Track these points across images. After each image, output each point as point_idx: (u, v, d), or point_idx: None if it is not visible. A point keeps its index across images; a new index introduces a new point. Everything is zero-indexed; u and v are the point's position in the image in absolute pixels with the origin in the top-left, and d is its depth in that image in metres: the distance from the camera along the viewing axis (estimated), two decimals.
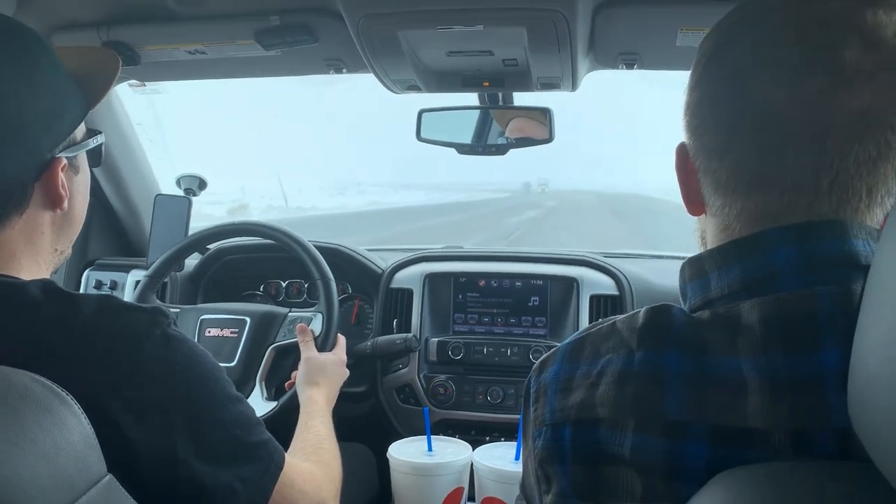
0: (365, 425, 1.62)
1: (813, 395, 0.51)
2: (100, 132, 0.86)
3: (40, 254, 0.80)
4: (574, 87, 1.34)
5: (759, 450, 0.52)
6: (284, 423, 1.13)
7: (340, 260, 1.66)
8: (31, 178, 0.76)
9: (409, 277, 1.66)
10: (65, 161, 0.78)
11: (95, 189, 1.78)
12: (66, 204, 0.79)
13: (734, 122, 0.59)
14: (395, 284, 1.66)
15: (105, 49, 0.93)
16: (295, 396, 1.24)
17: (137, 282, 1.52)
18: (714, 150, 0.60)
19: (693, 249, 0.67)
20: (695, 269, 0.62)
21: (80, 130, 0.82)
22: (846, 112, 0.54)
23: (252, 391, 1.36)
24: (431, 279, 1.64)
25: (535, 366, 0.67)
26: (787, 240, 0.57)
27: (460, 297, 1.64)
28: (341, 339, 1.36)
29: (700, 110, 0.62)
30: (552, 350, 0.66)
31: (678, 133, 0.65)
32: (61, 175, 0.78)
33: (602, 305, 1.56)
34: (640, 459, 0.55)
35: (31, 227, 0.78)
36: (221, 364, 0.84)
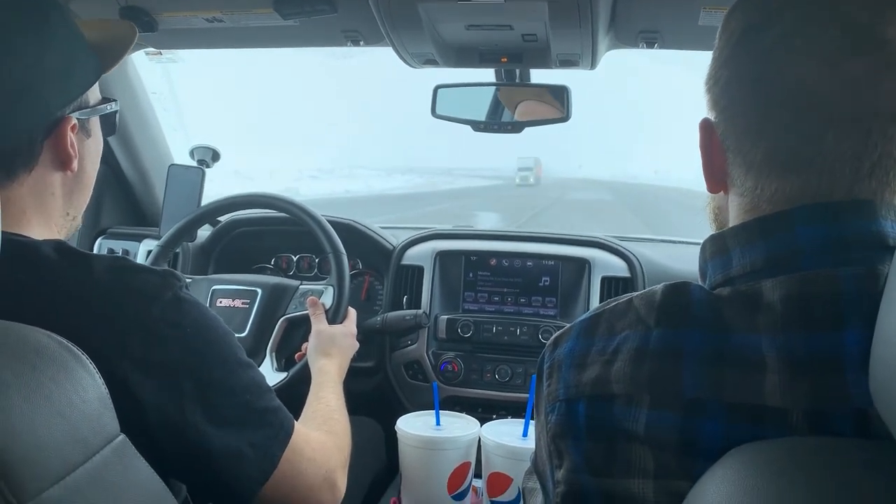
0: (373, 400, 1.63)
1: (832, 375, 0.51)
2: (114, 99, 0.86)
3: (51, 216, 0.80)
4: (593, 65, 1.32)
5: (776, 428, 0.51)
6: (294, 394, 1.13)
7: (352, 235, 1.66)
8: (39, 134, 0.75)
9: (420, 254, 1.66)
10: (74, 121, 0.78)
11: (108, 157, 1.79)
12: (75, 165, 0.79)
13: (770, 103, 0.57)
14: (405, 261, 1.66)
15: (124, 21, 0.93)
16: (305, 367, 1.25)
17: (149, 251, 1.53)
18: (747, 131, 0.59)
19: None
20: (717, 245, 0.61)
21: (94, 96, 0.82)
22: (890, 93, 0.53)
23: (262, 362, 1.37)
24: (442, 257, 1.64)
25: (549, 342, 0.66)
26: (812, 218, 0.56)
27: (471, 275, 1.64)
28: (352, 312, 1.37)
29: (730, 90, 0.60)
30: (567, 326, 0.66)
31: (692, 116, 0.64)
32: (70, 135, 0.78)
33: (613, 287, 1.56)
34: (655, 436, 0.55)
35: (40, 186, 0.78)
36: (235, 336, 0.84)
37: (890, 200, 0.56)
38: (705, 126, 0.64)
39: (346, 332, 1.32)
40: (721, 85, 0.61)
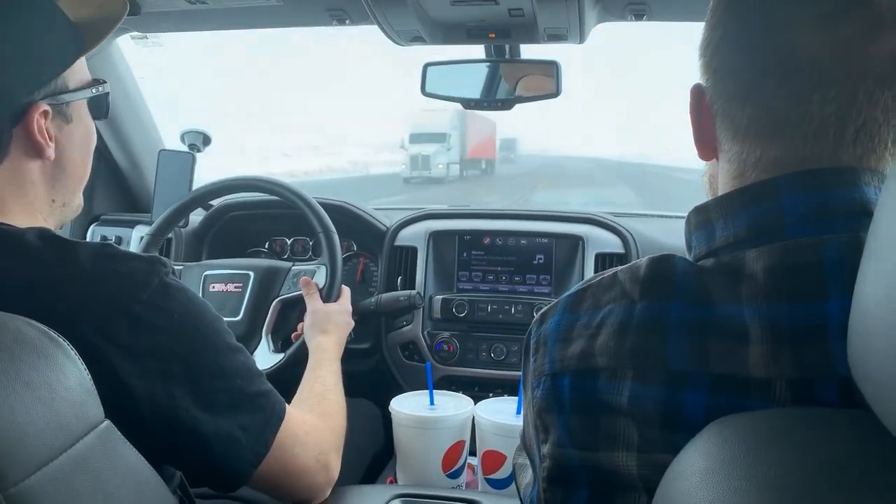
0: (369, 381, 1.63)
1: (816, 344, 0.50)
2: (103, 81, 0.84)
3: (34, 204, 0.79)
4: (582, 39, 1.31)
5: (759, 399, 0.51)
6: (292, 375, 1.14)
7: (345, 217, 1.65)
8: (5, 123, 0.74)
9: (413, 235, 1.66)
10: (45, 107, 0.76)
11: (98, 144, 1.77)
12: (50, 152, 0.77)
13: (759, 65, 0.57)
14: (399, 242, 1.66)
15: None
16: (302, 347, 1.25)
17: (142, 237, 1.52)
18: (734, 95, 0.59)
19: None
20: (700, 217, 0.61)
21: (76, 78, 0.80)
22: (878, 57, 0.53)
23: (259, 344, 1.37)
24: (436, 237, 1.64)
25: (535, 317, 0.66)
26: (795, 187, 0.56)
27: (465, 254, 1.63)
28: (346, 290, 1.37)
29: (721, 51, 0.59)
30: (553, 302, 0.65)
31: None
32: (41, 121, 0.75)
33: (608, 263, 1.55)
34: (638, 408, 0.54)
35: (17, 175, 0.76)
36: (227, 318, 0.84)
37: (874, 166, 0.55)
38: (696, 91, 0.63)
39: (342, 309, 1.32)
40: (712, 47, 0.60)
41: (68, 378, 0.60)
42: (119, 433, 0.64)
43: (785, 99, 0.55)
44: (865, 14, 0.52)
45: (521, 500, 0.73)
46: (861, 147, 0.55)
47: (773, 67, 0.56)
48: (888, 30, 0.52)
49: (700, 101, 0.62)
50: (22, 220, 0.77)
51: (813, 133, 0.55)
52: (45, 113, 0.76)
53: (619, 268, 0.62)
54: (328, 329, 1.25)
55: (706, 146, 0.63)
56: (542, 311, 0.66)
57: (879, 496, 0.39)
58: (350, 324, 1.32)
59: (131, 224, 1.78)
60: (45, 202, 0.81)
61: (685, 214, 0.64)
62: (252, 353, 1.33)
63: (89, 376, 0.62)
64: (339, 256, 1.37)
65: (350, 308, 1.34)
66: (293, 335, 1.35)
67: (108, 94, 0.85)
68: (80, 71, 0.81)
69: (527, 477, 0.72)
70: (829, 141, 0.55)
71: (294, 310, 1.40)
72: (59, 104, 0.78)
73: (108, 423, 0.63)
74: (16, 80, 0.73)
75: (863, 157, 0.55)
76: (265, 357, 1.34)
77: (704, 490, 0.43)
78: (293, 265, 1.45)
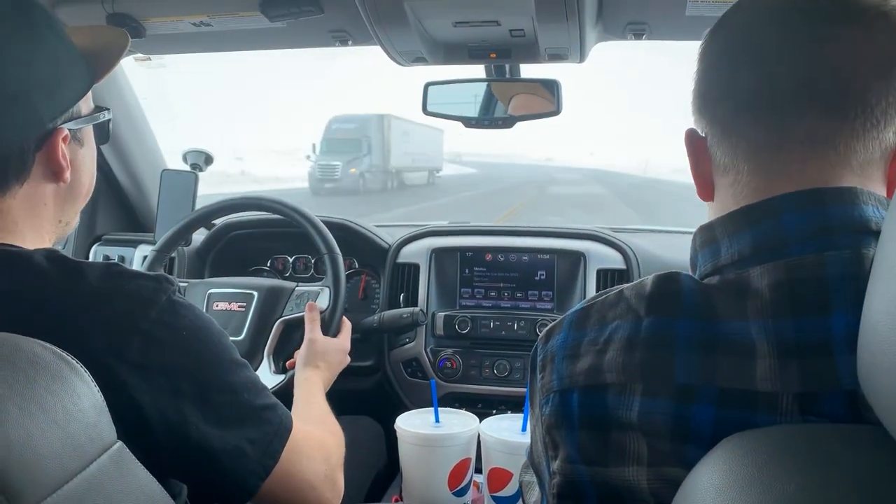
0: (372, 399, 1.63)
1: (822, 358, 0.51)
2: (107, 108, 0.86)
3: (43, 225, 0.80)
4: (582, 58, 1.32)
5: (766, 413, 0.52)
6: (291, 399, 1.13)
7: (347, 235, 1.66)
8: (30, 146, 0.75)
9: (415, 252, 1.66)
10: (66, 132, 0.78)
11: (101, 164, 1.78)
12: (68, 176, 0.79)
13: (743, 96, 0.59)
14: (401, 259, 1.66)
15: (115, 28, 0.93)
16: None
17: (145, 257, 1.52)
18: (725, 126, 0.61)
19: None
20: (706, 236, 0.62)
21: (86, 105, 0.83)
22: (857, 77, 0.55)
23: (260, 365, 1.37)
24: (438, 254, 1.65)
25: (541, 335, 0.67)
26: (796, 205, 0.57)
27: (467, 271, 1.64)
28: (347, 325, 1.36)
29: (710, 88, 0.62)
30: (558, 319, 0.66)
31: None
32: (62, 146, 0.78)
33: (609, 279, 1.56)
34: (648, 423, 0.55)
35: (33, 197, 0.78)
36: (229, 338, 0.85)
37: (867, 179, 0.57)
38: (690, 134, 0.65)
39: (339, 347, 1.30)
40: (702, 90, 0.63)
41: (82, 400, 0.61)
42: (130, 454, 0.65)
43: (778, 119, 0.58)
44: (838, 39, 0.55)
45: None
46: (854, 160, 0.57)
47: (758, 96, 0.58)
48: (861, 52, 0.55)
49: (695, 143, 0.65)
50: (30, 240, 0.78)
51: (810, 149, 0.57)
52: (66, 138, 0.78)
53: (624, 285, 0.63)
54: (319, 365, 1.24)
55: (706, 186, 0.65)
56: (548, 328, 0.67)
57: None
58: (344, 362, 1.30)
59: (134, 243, 1.78)
60: (53, 223, 0.82)
61: (685, 229, 0.66)
62: None
63: (102, 398, 0.63)
64: (343, 279, 1.37)
65: (348, 346, 1.33)
66: (289, 363, 1.35)
67: (110, 119, 0.88)
68: (88, 97, 0.83)
69: (534, 494, 0.73)
70: (819, 157, 0.57)
71: (296, 331, 1.40)
72: (76, 129, 0.80)
73: (120, 444, 0.63)
74: (41, 104, 0.75)
75: (855, 168, 0.57)
76: (266, 378, 1.33)
77: None
78: (297, 286, 1.45)
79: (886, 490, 0.42)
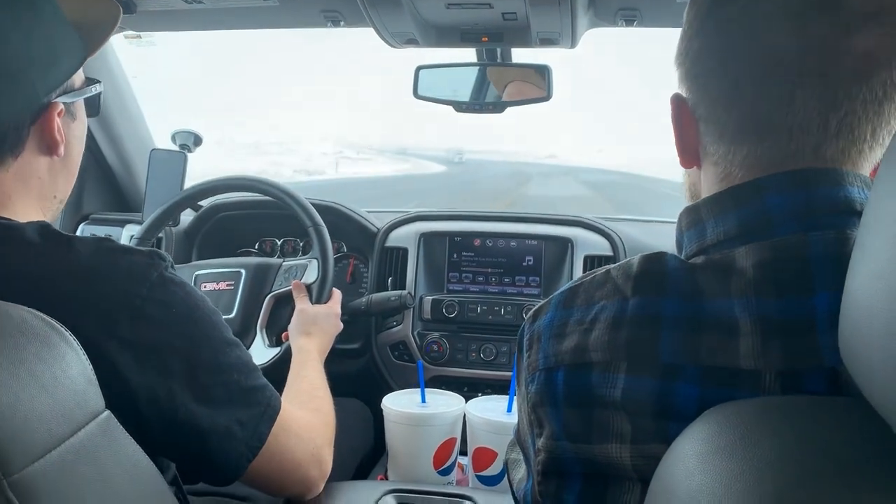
0: (360, 381, 1.64)
1: (804, 335, 0.52)
2: (98, 81, 0.86)
3: (38, 200, 0.80)
4: (573, 44, 1.33)
5: (749, 390, 0.53)
6: (283, 374, 1.14)
7: (336, 218, 1.66)
8: (26, 120, 0.75)
9: (404, 236, 1.67)
10: (61, 106, 0.78)
11: (90, 142, 1.76)
12: (62, 150, 0.79)
13: (742, 69, 0.59)
14: (390, 243, 1.67)
15: None
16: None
17: (132, 236, 1.52)
18: (719, 99, 0.61)
19: None
20: (691, 217, 0.62)
21: (79, 78, 0.82)
22: (853, 54, 0.55)
23: (254, 340, 1.37)
24: (426, 238, 1.65)
25: (528, 315, 0.67)
26: (782, 186, 0.58)
27: (455, 256, 1.65)
28: (336, 293, 1.37)
29: (702, 60, 0.61)
30: (546, 300, 0.66)
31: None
32: (57, 120, 0.78)
33: (596, 266, 1.57)
34: (632, 400, 0.56)
35: (26, 171, 0.78)
36: (222, 316, 0.84)
37: (856, 158, 0.58)
38: (676, 100, 0.65)
39: (329, 312, 1.32)
40: (692, 56, 0.62)
41: (71, 367, 0.61)
42: (118, 424, 0.65)
43: (768, 99, 0.57)
44: (837, 14, 0.55)
45: (513, 494, 0.74)
46: (843, 140, 0.57)
47: (755, 68, 0.58)
48: (859, 30, 0.54)
49: (681, 109, 0.64)
50: (23, 214, 0.78)
51: (797, 128, 0.57)
52: (60, 112, 0.78)
53: (611, 266, 0.63)
54: (312, 331, 1.25)
55: (689, 154, 0.65)
56: (535, 308, 0.67)
57: (874, 478, 0.41)
58: (338, 327, 1.32)
59: (121, 223, 1.77)
60: (47, 198, 0.82)
61: (671, 219, 0.66)
62: (248, 349, 1.33)
63: (91, 366, 0.63)
64: (330, 250, 1.37)
65: (339, 311, 1.34)
66: (283, 335, 1.36)
67: (101, 92, 0.87)
68: (79, 70, 0.82)
69: (520, 472, 0.73)
70: (812, 135, 0.57)
71: (287, 305, 1.40)
72: (68, 103, 0.80)
73: (108, 412, 0.64)
74: (38, 79, 0.74)
75: (845, 149, 0.57)
76: (261, 352, 1.34)
77: (702, 474, 0.45)
78: (283, 261, 1.45)
79: (863, 457, 0.43)
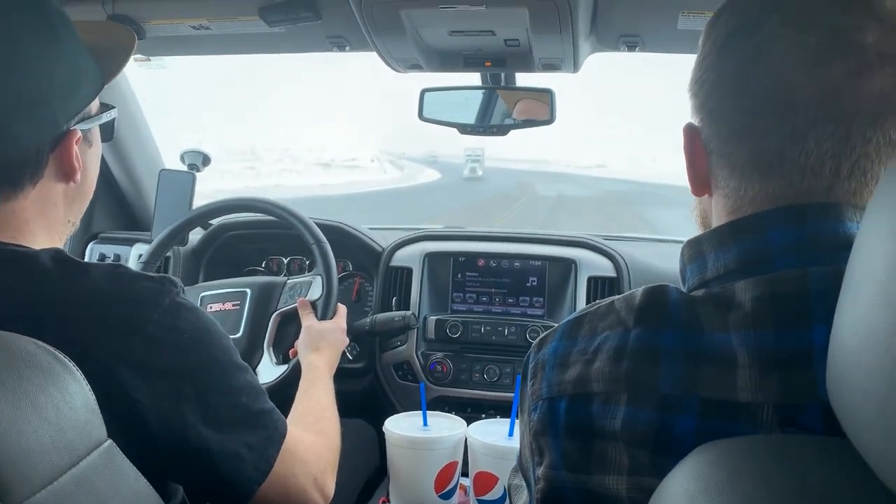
0: (363, 401, 1.64)
1: (801, 370, 0.52)
2: (113, 107, 0.87)
3: (53, 225, 0.81)
4: (576, 68, 1.34)
5: (747, 423, 0.53)
6: (289, 394, 1.15)
7: (341, 237, 1.67)
8: (46, 148, 0.77)
9: (408, 256, 1.68)
10: (80, 133, 0.79)
11: (100, 162, 1.80)
12: (79, 176, 0.81)
13: (754, 106, 0.59)
14: (394, 262, 1.68)
15: (122, 25, 0.94)
16: (300, 363, 1.27)
17: (140, 255, 1.54)
18: (731, 134, 0.61)
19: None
20: (693, 250, 0.63)
21: (95, 104, 0.83)
22: (869, 95, 0.55)
23: (261, 358, 1.38)
24: (431, 258, 1.66)
25: (535, 343, 0.68)
26: (782, 221, 0.58)
27: (459, 276, 1.65)
28: (342, 308, 1.38)
29: (715, 93, 0.62)
30: (552, 328, 0.67)
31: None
32: (75, 147, 0.79)
33: (600, 287, 1.58)
34: (631, 432, 0.56)
35: (44, 197, 0.79)
36: (230, 338, 0.86)
37: (867, 198, 0.57)
38: (689, 130, 0.65)
39: (336, 327, 1.33)
40: (706, 89, 0.63)
41: (74, 399, 0.62)
42: (121, 452, 0.66)
43: (781, 137, 0.58)
44: (856, 57, 0.55)
45: None
46: (855, 181, 0.57)
47: (769, 106, 0.58)
48: (875, 70, 0.55)
49: (694, 139, 0.65)
50: (40, 240, 0.79)
51: (810, 169, 0.57)
52: (78, 139, 0.79)
53: (616, 297, 0.64)
54: (320, 347, 1.26)
55: (700, 183, 0.66)
56: (541, 336, 0.68)
57: None
58: (344, 342, 1.33)
59: (130, 242, 1.79)
60: (62, 223, 0.83)
61: (676, 238, 0.66)
62: (255, 367, 1.35)
63: (93, 397, 0.64)
64: (334, 266, 1.38)
65: (345, 326, 1.36)
66: (290, 351, 1.37)
67: (115, 118, 0.89)
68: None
69: (522, 498, 0.74)
70: (825, 176, 0.57)
71: (293, 322, 1.42)
72: (86, 130, 0.81)
73: (110, 442, 0.65)
74: (58, 107, 0.76)
75: (856, 190, 0.57)
76: (269, 370, 1.36)
77: None
78: (288, 279, 1.47)
79: (853, 501, 0.43)
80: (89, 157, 0.84)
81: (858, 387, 0.43)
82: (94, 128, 0.85)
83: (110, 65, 0.84)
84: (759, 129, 0.59)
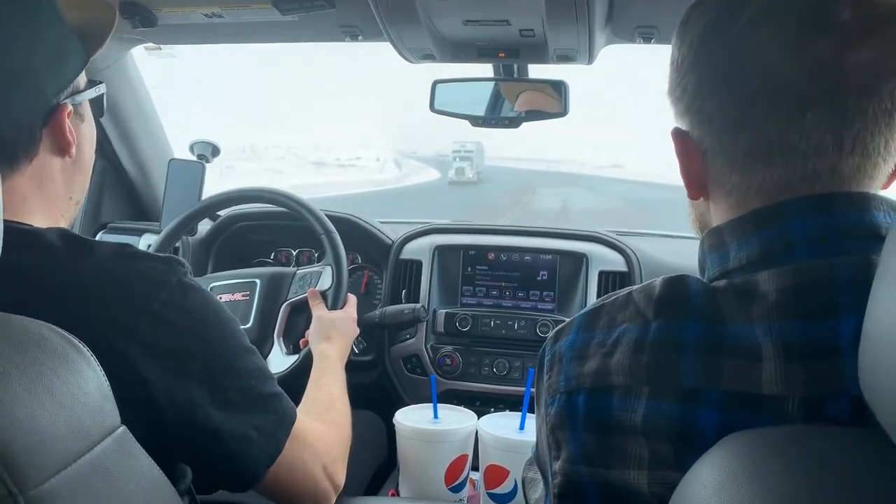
0: (373, 393, 1.64)
1: (828, 362, 0.51)
2: (101, 82, 0.87)
3: (52, 201, 0.81)
4: (590, 60, 1.33)
5: (771, 416, 0.52)
6: (299, 384, 1.14)
7: (351, 230, 1.67)
8: (38, 122, 0.76)
9: (418, 249, 1.67)
10: (70, 107, 0.79)
11: (108, 152, 1.80)
12: (74, 150, 0.81)
13: (744, 96, 0.58)
14: (404, 255, 1.67)
15: (102, 1, 0.93)
16: (310, 354, 1.26)
17: (149, 245, 1.54)
18: (726, 130, 0.60)
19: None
20: (714, 239, 0.62)
21: (82, 80, 0.83)
22: (856, 69, 0.55)
23: (272, 348, 1.38)
24: (441, 251, 1.65)
25: (550, 335, 0.67)
26: (805, 210, 0.57)
27: (469, 269, 1.65)
28: (352, 298, 1.38)
29: (702, 93, 0.61)
30: (568, 320, 0.66)
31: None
32: (67, 121, 0.79)
33: (611, 282, 1.57)
34: (652, 425, 0.55)
35: (41, 173, 0.79)
36: (239, 325, 0.85)
37: (871, 173, 0.57)
38: (677, 134, 0.65)
39: (346, 316, 1.33)
40: (690, 91, 0.62)
41: (88, 384, 0.61)
42: (133, 438, 0.65)
43: (778, 123, 0.57)
44: (832, 33, 0.55)
45: None
46: (858, 156, 0.57)
47: (759, 94, 0.58)
48: (858, 44, 0.55)
49: (685, 143, 0.64)
50: (42, 219, 0.79)
51: (812, 150, 0.57)
52: (69, 113, 0.79)
53: (633, 287, 0.63)
54: (332, 336, 1.26)
55: (695, 186, 0.65)
56: (557, 329, 0.67)
57: None
58: (355, 331, 1.33)
59: (139, 232, 1.79)
60: (63, 199, 0.83)
61: (688, 234, 0.65)
62: (266, 358, 1.34)
63: (107, 382, 0.64)
64: (343, 256, 1.38)
65: (355, 315, 1.36)
66: (301, 342, 1.37)
67: (104, 93, 0.88)
68: (82, 74, 0.84)
69: (537, 491, 0.73)
70: (828, 156, 0.57)
71: (303, 312, 1.41)
72: (76, 104, 0.81)
73: (123, 428, 0.64)
74: (47, 80, 0.76)
75: (861, 165, 0.57)
76: (279, 360, 1.35)
77: (716, 503, 0.44)
78: (297, 269, 1.46)
79: (881, 491, 0.42)
80: (82, 132, 0.84)
81: (894, 376, 0.42)
82: (85, 103, 0.84)
83: (92, 40, 0.83)
84: (753, 120, 0.58)
